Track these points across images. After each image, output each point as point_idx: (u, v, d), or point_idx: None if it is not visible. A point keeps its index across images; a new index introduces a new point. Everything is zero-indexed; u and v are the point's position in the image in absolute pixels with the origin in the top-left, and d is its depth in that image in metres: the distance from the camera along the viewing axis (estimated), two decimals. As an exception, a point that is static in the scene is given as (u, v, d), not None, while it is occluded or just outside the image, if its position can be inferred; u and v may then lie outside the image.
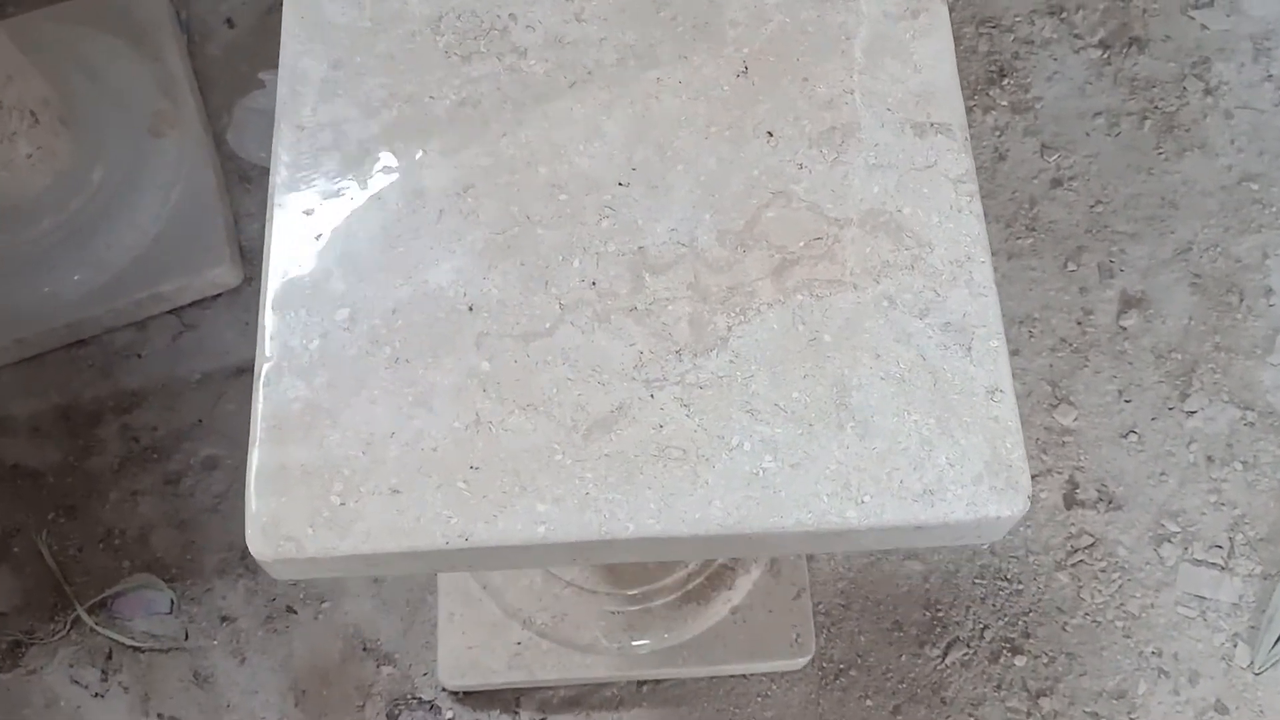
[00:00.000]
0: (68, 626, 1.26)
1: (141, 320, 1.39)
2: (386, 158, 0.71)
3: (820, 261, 0.69)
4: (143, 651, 1.24)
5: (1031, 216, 1.43)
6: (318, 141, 0.71)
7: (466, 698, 1.22)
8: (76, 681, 1.24)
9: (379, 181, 0.71)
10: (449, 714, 1.21)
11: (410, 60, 0.73)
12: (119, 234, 1.38)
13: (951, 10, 1.52)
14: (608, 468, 0.64)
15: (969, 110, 1.48)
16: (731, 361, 0.66)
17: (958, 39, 1.52)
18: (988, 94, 1.49)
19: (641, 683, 1.22)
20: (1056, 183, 1.44)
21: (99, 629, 1.25)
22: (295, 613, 1.26)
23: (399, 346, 0.66)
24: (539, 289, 0.68)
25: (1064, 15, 1.53)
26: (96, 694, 1.23)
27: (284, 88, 0.72)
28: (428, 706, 1.21)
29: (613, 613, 1.18)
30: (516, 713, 1.21)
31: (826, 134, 0.72)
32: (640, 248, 0.69)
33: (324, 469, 0.64)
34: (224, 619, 1.26)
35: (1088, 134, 1.47)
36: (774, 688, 1.23)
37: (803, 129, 0.72)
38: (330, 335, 0.67)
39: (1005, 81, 1.50)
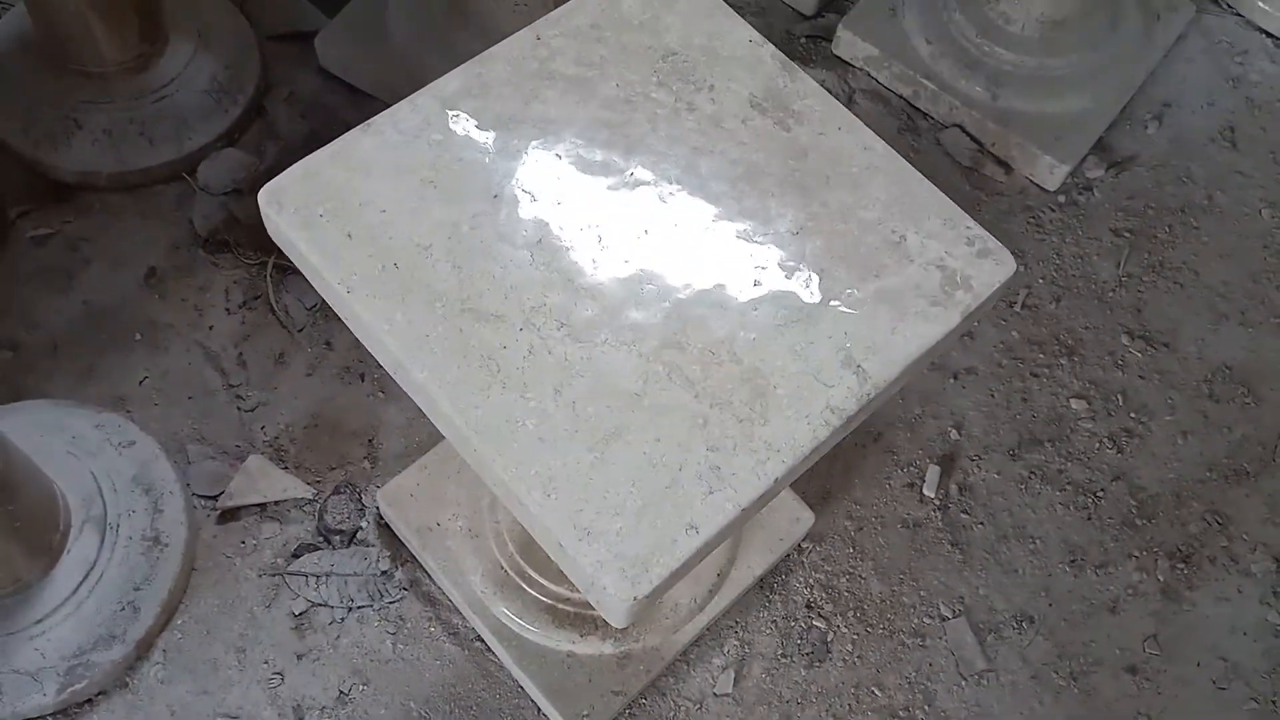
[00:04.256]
0: (255, 264, 1.61)
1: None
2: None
3: (698, 364, 0.83)
4: (274, 313, 1.57)
5: (1084, 675, 1.41)
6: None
7: (383, 529, 1.44)
8: (227, 292, 1.59)
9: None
10: (363, 524, 1.44)
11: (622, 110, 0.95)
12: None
13: (1219, 533, 1.53)
14: (454, 328, 0.84)
15: (1128, 557, 1.48)
16: (585, 358, 0.83)
17: (1183, 500, 1.52)
18: (1156, 560, 1.48)
19: (479, 638, 1.38)
20: (1131, 670, 1.42)
21: (270, 280, 1.59)
22: (362, 381, 1.54)
23: (450, 175, 0.89)
24: (531, 236, 0.88)
25: (1283, 572, 1.48)
26: (227, 309, 1.57)
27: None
28: (358, 506, 1.44)
29: (502, 569, 1.35)
30: (395, 567, 1.41)
31: (788, 319, 0.86)
32: (595, 283, 0.87)
33: (334, 204, 0.88)
34: (328, 344, 1.56)
35: (1199, 664, 1.42)
36: (543, 734, 1.34)
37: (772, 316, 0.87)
38: (444, 138, 0.91)
39: (1180, 566, 1.48)
